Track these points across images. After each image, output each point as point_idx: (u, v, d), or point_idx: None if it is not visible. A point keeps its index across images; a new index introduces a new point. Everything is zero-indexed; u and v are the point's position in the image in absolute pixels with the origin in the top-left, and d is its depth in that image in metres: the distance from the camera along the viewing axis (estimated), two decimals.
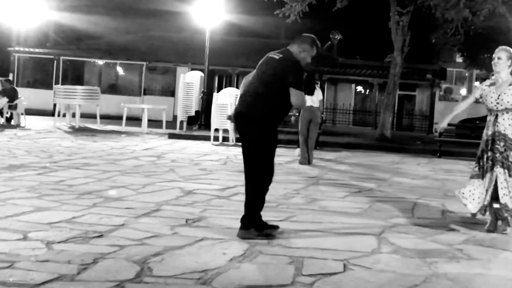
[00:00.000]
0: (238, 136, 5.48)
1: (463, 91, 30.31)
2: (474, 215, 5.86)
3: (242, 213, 5.05)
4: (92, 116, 19.21)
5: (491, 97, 5.75)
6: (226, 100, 14.81)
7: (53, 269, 3.86)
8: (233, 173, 9.07)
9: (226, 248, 4.59)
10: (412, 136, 22.08)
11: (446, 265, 4.46)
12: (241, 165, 5.16)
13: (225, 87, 24.38)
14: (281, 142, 14.36)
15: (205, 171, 9.36)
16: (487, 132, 5.81)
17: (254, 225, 4.96)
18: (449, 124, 6.83)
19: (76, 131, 16.40)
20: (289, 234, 5.18)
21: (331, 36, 28.14)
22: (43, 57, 28.97)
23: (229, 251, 4.52)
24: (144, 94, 28.24)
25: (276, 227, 5.21)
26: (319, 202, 6.99)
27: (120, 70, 30.00)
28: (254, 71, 5.21)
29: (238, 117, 5.10)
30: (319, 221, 5.87)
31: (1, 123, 17.62)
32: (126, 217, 5.52)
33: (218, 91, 18.54)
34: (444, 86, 29.76)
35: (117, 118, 20.53)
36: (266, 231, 5.03)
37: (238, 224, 5.05)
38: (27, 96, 20.59)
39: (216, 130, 14.91)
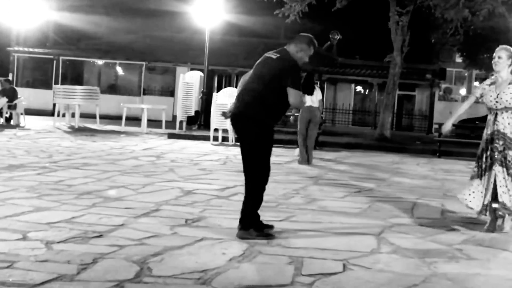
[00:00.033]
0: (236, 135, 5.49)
1: (463, 91, 30.31)
2: (479, 213, 5.84)
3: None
4: (92, 116, 19.21)
5: (491, 96, 5.77)
6: (226, 100, 14.80)
7: (53, 269, 3.86)
8: (233, 173, 9.06)
9: (226, 248, 4.59)
10: (412, 136, 22.08)
11: (446, 265, 4.46)
12: (240, 165, 5.16)
13: (225, 87, 24.37)
14: (281, 142, 14.49)
15: (204, 171, 9.36)
16: (487, 131, 5.83)
17: (253, 225, 4.96)
18: None
19: (76, 131, 16.40)
20: (289, 234, 5.18)
21: (330, 36, 28.12)
22: (43, 57, 28.95)
23: (228, 251, 4.52)
24: (144, 94, 28.22)
25: (271, 226, 5.21)
26: (319, 202, 6.99)
27: (119, 70, 29.98)
28: (252, 71, 5.21)
29: (235, 117, 5.11)
30: (318, 221, 5.87)
31: (1, 123, 17.62)
32: (126, 217, 5.52)
33: (217, 91, 18.54)
34: (443, 86, 29.76)
35: (116, 118, 20.53)
36: (265, 231, 5.03)
37: (237, 224, 5.06)
38: (26, 96, 20.58)
39: (216, 130, 14.91)
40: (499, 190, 5.60)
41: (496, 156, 5.65)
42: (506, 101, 5.67)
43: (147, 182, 7.75)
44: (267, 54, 5.18)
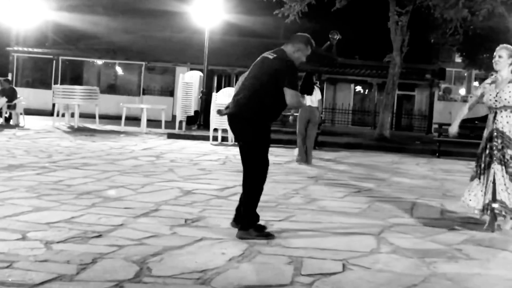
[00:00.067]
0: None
1: (462, 91, 30.30)
2: (481, 211, 5.82)
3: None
4: (91, 116, 19.21)
5: (490, 95, 5.80)
6: (225, 100, 14.79)
7: (52, 269, 3.86)
8: (232, 173, 9.06)
9: (225, 248, 4.59)
10: (411, 136, 22.09)
11: (445, 265, 4.46)
12: (240, 165, 5.17)
13: (224, 87, 24.36)
14: (281, 142, 14.48)
15: (204, 171, 9.36)
16: (487, 130, 5.85)
17: (252, 226, 4.96)
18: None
19: (75, 131, 16.40)
20: (288, 234, 5.18)
21: (330, 36, 28.09)
22: (42, 57, 28.95)
23: (228, 251, 4.52)
24: (143, 94, 28.22)
25: (264, 227, 5.19)
26: (318, 202, 6.99)
27: (119, 70, 29.98)
28: (249, 71, 5.21)
29: (231, 118, 5.12)
30: (318, 221, 5.87)
31: (0, 123, 17.61)
32: (125, 217, 5.52)
33: (217, 91, 18.55)
34: (443, 86, 29.75)
35: (116, 118, 20.53)
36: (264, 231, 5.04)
37: (231, 222, 5.07)
38: (26, 96, 20.58)
39: (215, 130, 14.90)
40: (498, 188, 5.61)
41: (495, 154, 5.67)
42: (505, 99, 5.69)
43: (146, 182, 7.74)
44: (264, 55, 5.19)
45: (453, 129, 6.22)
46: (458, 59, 27.39)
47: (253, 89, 5.01)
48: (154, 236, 4.87)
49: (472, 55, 23.87)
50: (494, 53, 5.85)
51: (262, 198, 5.15)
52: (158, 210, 5.95)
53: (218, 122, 14.62)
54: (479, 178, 5.80)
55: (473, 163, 6.08)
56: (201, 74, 19.50)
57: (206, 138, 15.03)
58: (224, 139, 14.78)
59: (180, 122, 18.10)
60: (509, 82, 5.73)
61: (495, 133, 5.70)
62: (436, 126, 16.51)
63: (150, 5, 29.97)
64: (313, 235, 5.25)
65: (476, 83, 29.48)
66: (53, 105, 19.67)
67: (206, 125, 16.78)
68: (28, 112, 19.55)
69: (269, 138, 5.13)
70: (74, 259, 4.08)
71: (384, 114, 18.62)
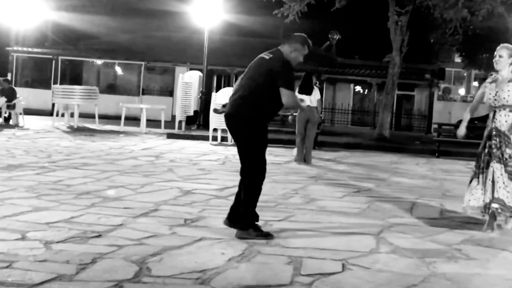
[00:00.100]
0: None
1: (462, 91, 30.31)
2: (482, 210, 5.82)
3: None
4: (91, 116, 19.20)
5: (490, 94, 5.83)
6: (225, 100, 14.77)
7: (52, 269, 3.86)
8: (232, 173, 9.05)
9: (225, 248, 4.58)
10: (411, 136, 22.09)
11: (445, 265, 4.46)
12: (239, 165, 5.17)
13: (224, 87, 24.38)
14: (280, 142, 14.47)
15: (203, 171, 9.36)
16: (487, 129, 5.87)
17: (252, 226, 4.96)
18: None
19: (75, 131, 16.39)
20: (288, 234, 5.18)
21: (329, 36, 28.06)
22: (42, 57, 28.94)
23: (227, 251, 4.52)
24: (143, 94, 28.21)
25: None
26: (318, 202, 6.99)
27: (118, 70, 29.98)
28: (246, 71, 5.22)
29: (228, 117, 5.13)
30: (317, 221, 5.87)
31: (0, 123, 17.60)
32: (125, 217, 5.52)
33: (216, 91, 18.56)
34: (442, 86, 29.76)
35: (115, 118, 20.53)
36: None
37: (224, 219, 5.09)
38: (25, 96, 20.57)
39: (215, 130, 14.90)
40: (496, 186, 5.63)
41: (494, 152, 5.68)
42: (504, 98, 5.71)
43: (146, 182, 7.74)
44: (260, 55, 5.20)
45: (461, 131, 6.26)
46: (457, 59, 27.42)
47: (249, 89, 5.02)
48: (153, 236, 4.87)
49: (472, 55, 23.88)
50: (495, 53, 5.87)
51: (262, 198, 5.15)
52: (158, 210, 5.95)
53: (218, 122, 14.61)
54: (478, 178, 5.81)
55: (473, 163, 6.10)
56: (201, 74, 19.50)
57: (205, 138, 15.03)
58: (224, 139, 14.77)
59: (180, 122, 18.10)
60: (509, 82, 5.74)
61: (494, 132, 5.74)
62: (436, 126, 16.52)
63: (150, 5, 29.99)
64: (312, 235, 5.25)
65: (475, 83, 29.49)
66: (53, 105, 19.66)
67: (205, 125, 16.78)
68: (28, 112, 19.54)
69: (266, 138, 5.14)
70: (74, 259, 4.08)
71: (383, 114, 18.62)
